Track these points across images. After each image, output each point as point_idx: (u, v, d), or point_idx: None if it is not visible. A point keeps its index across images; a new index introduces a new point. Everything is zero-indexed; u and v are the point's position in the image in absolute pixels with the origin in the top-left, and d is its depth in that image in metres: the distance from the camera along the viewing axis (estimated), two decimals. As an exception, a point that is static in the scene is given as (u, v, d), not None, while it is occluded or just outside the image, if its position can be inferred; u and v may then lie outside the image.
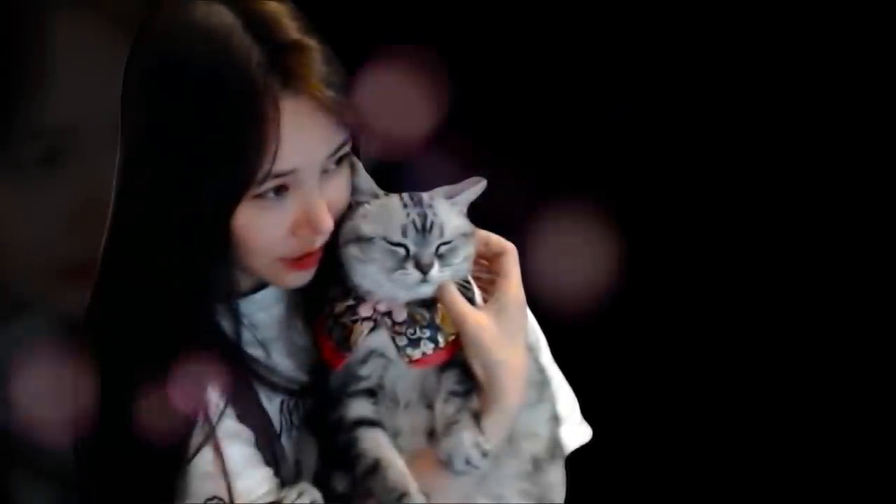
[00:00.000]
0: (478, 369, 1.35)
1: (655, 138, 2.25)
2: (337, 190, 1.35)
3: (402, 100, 1.95)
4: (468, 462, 1.31)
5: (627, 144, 2.25)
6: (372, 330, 1.35)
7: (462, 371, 1.35)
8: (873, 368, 2.26)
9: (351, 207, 1.37)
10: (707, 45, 2.21)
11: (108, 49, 2.01)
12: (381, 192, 1.38)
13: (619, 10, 2.21)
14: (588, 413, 1.53)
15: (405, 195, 1.37)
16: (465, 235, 1.36)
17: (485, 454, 1.31)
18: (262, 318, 1.42)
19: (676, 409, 2.27)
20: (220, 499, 1.33)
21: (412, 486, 1.31)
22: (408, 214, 1.34)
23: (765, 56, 2.22)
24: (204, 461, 1.34)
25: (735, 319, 2.28)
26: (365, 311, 1.35)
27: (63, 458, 1.98)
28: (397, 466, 1.32)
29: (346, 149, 1.35)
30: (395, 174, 1.43)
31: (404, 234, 1.33)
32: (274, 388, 1.39)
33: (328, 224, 1.33)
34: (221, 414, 1.35)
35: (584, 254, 2.12)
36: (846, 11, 2.17)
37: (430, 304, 1.36)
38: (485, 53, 2.18)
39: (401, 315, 1.35)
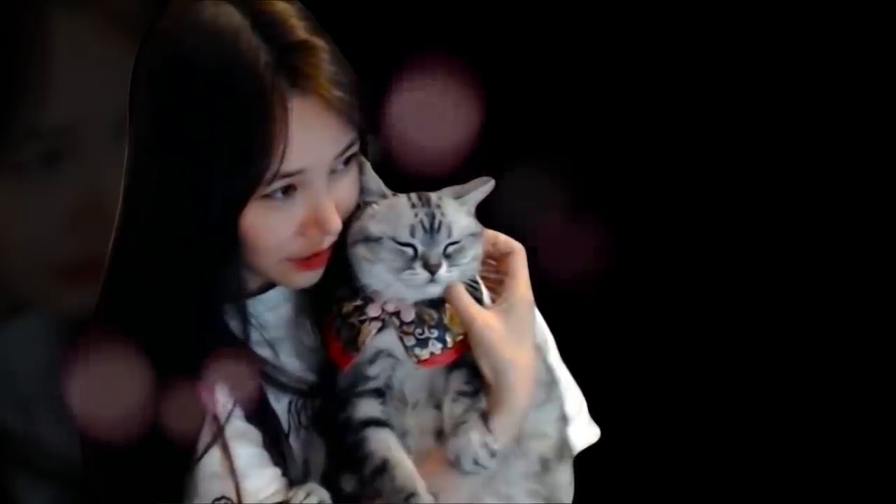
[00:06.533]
0: (486, 369, 1.34)
1: (658, 140, 2.26)
2: (345, 190, 1.35)
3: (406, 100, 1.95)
4: (476, 462, 1.30)
5: (632, 144, 2.25)
6: (380, 330, 1.35)
7: (470, 371, 1.35)
8: (869, 345, 2.27)
9: (359, 207, 1.37)
10: (697, 44, 2.22)
11: (108, 49, 2.01)
12: (389, 191, 1.38)
13: (618, 12, 2.22)
14: (596, 413, 1.53)
15: (413, 195, 1.37)
16: (474, 235, 1.36)
17: (493, 454, 1.31)
18: (271, 318, 1.42)
19: (685, 409, 2.27)
20: (228, 499, 1.32)
21: (420, 486, 1.30)
22: (416, 214, 1.34)
23: (755, 54, 2.23)
24: (212, 461, 1.33)
25: (746, 322, 2.28)
26: (373, 311, 1.35)
27: (63, 458, 1.98)
28: (405, 466, 1.32)
29: (355, 149, 1.35)
30: (404, 174, 1.43)
31: (412, 234, 1.33)
32: (282, 388, 1.39)
33: (336, 224, 1.33)
34: (230, 414, 1.35)
35: (594, 253, 2.12)
36: (843, 11, 2.18)
37: (438, 304, 1.36)
38: (486, 53, 2.18)
39: (409, 315, 1.35)
